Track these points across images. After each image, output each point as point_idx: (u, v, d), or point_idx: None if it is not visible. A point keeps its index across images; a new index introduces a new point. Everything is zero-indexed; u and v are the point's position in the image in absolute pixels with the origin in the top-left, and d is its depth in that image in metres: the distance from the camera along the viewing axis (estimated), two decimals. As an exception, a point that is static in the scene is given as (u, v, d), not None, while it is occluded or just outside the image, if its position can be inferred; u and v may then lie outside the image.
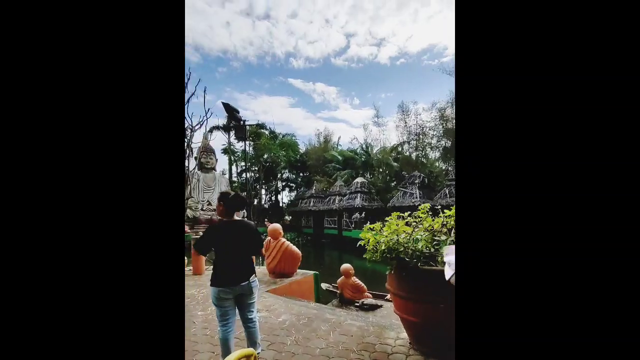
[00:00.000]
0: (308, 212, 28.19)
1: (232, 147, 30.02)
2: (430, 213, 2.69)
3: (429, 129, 25.29)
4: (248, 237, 2.28)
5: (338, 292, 5.85)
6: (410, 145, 26.94)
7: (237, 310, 2.27)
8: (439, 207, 2.87)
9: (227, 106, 9.48)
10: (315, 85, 79.23)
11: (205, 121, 20.06)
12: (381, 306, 4.96)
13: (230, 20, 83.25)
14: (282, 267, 5.43)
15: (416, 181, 21.22)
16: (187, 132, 19.23)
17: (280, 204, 37.15)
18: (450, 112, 22.90)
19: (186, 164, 19.05)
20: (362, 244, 2.66)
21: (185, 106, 18.81)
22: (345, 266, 5.76)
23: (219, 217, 2.30)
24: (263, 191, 36.00)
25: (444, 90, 40.41)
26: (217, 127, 27.04)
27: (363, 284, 5.64)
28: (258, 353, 2.30)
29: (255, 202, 33.00)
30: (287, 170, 35.23)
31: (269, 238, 5.62)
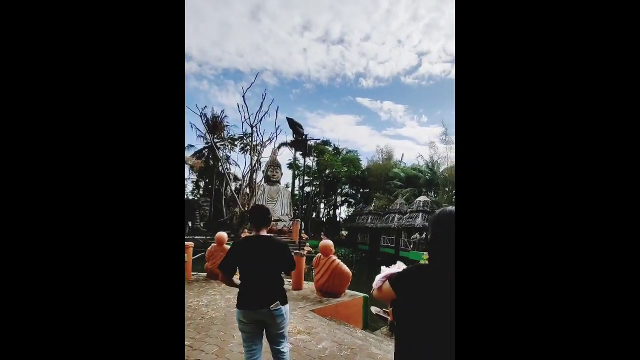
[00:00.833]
0: (365, 229, 27.31)
1: (296, 161, 31.28)
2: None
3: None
4: (272, 256, 1.98)
5: (389, 319, 5.37)
6: (482, 164, 24.52)
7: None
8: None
9: (290, 121, 9.79)
10: (382, 103, 78.80)
11: (275, 137, 21.82)
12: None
13: (307, 47, 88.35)
14: (330, 285, 5.18)
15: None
16: (257, 148, 21.15)
17: (338, 219, 37.05)
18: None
19: (254, 177, 20.85)
20: None
21: (258, 124, 20.75)
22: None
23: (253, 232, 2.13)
24: (322, 205, 36.49)
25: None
26: (285, 144, 28.36)
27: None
28: None
29: (313, 215, 33.56)
30: (347, 186, 35.16)
31: (320, 254, 5.45)
